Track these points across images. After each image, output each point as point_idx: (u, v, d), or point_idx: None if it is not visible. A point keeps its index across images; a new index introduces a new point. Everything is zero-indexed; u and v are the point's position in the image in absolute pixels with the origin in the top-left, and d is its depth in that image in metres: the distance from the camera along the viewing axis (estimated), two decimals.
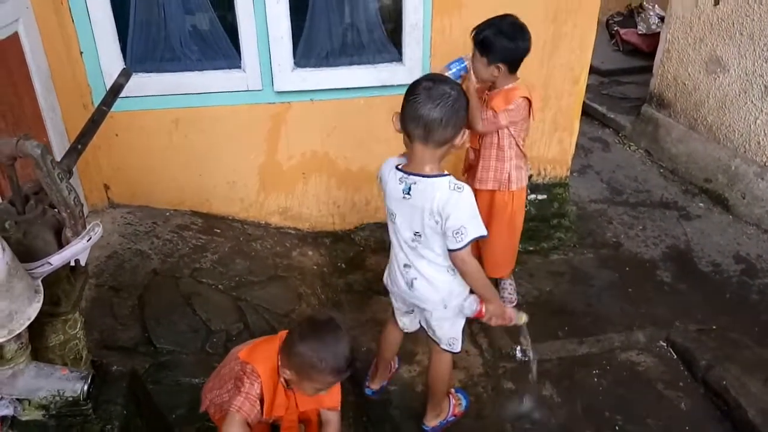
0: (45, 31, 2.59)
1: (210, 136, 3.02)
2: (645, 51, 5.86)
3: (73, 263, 1.37)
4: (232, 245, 2.99)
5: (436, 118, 1.66)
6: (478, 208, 1.80)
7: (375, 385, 2.42)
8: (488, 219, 2.58)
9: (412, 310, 2.16)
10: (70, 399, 1.30)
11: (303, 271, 3.01)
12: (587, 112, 4.91)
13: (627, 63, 5.98)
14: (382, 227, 3.37)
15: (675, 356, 2.70)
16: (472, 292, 1.99)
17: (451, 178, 1.77)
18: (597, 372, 2.61)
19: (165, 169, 3.07)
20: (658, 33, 4.84)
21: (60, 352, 1.38)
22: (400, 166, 1.83)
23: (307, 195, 3.30)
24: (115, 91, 1.66)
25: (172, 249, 2.82)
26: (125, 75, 1.72)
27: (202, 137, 3.01)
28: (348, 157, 3.22)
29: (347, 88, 3.00)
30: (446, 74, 2.28)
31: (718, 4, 3.85)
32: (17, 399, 1.30)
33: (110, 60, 2.75)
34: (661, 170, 4.36)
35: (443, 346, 2.10)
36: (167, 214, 3.10)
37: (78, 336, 1.41)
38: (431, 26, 2.93)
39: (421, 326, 2.17)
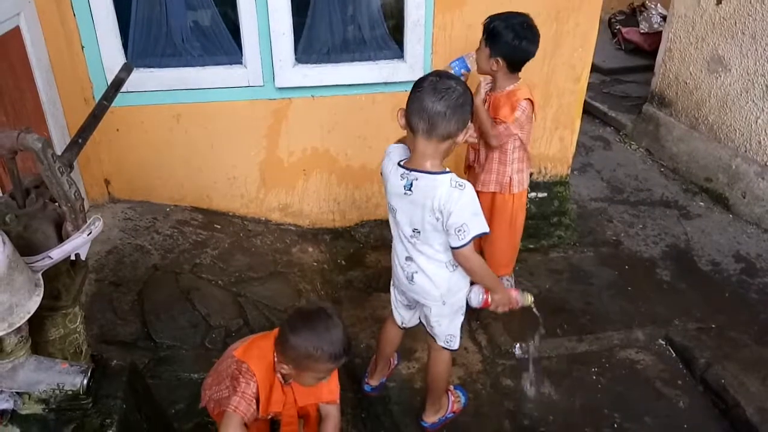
0: (46, 25, 2.59)
1: (211, 132, 3.02)
2: (647, 50, 5.85)
3: (73, 257, 1.37)
4: (232, 241, 2.99)
5: (440, 111, 1.67)
6: None
7: (374, 382, 2.43)
8: (489, 220, 2.55)
9: (413, 305, 2.16)
10: (70, 393, 1.30)
11: (303, 268, 3.02)
12: (588, 111, 4.91)
13: (629, 62, 5.96)
14: (383, 224, 3.38)
15: (674, 354, 2.71)
16: (473, 283, 2.01)
17: (453, 175, 1.77)
18: (596, 370, 2.61)
19: (165, 164, 3.07)
20: (660, 32, 4.82)
21: (60, 346, 1.38)
22: (402, 162, 1.83)
23: (307, 191, 3.30)
24: (116, 85, 1.66)
25: (173, 244, 2.82)
26: (126, 70, 1.72)
27: (202, 133, 3.01)
28: (349, 154, 3.22)
29: (348, 85, 3.00)
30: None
31: (721, 3, 3.84)
32: (17, 393, 1.30)
33: (112, 54, 2.75)
34: (662, 169, 4.36)
35: (441, 343, 2.10)
36: (167, 209, 3.10)
37: (78, 330, 1.41)
38: (433, 23, 2.92)
39: (421, 322, 2.18)
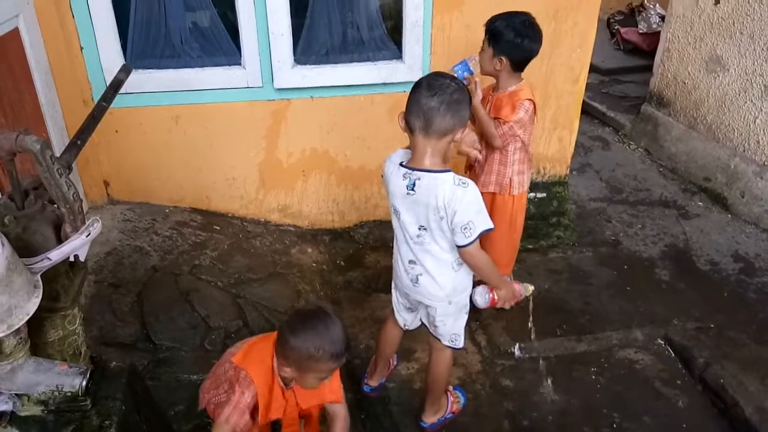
0: (45, 27, 2.59)
1: (210, 133, 3.02)
2: (645, 50, 5.86)
3: (72, 259, 1.37)
4: (232, 242, 3.00)
5: (434, 106, 1.69)
6: None
7: (373, 382, 2.43)
8: None
9: (415, 308, 2.16)
10: (69, 394, 1.31)
11: (302, 269, 3.02)
12: (587, 111, 4.91)
13: (627, 62, 5.97)
14: (382, 225, 3.39)
15: (673, 354, 2.71)
16: (474, 284, 2.01)
17: (455, 173, 1.78)
18: (595, 370, 2.62)
19: (164, 165, 3.07)
20: (659, 32, 4.83)
21: (59, 347, 1.38)
22: (403, 163, 1.84)
23: (306, 192, 3.30)
24: (115, 87, 1.66)
25: (172, 246, 2.82)
26: (125, 71, 1.72)
27: (201, 134, 3.01)
28: (348, 155, 3.22)
29: (347, 86, 3.00)
30: None
31: (719, 3, 3.85)
32: (16, 394, 1.30)
33: (110, 56, 2.75)
34: (661, 169, 4.36)
35: (446, 343, 2.10)
36: (167, 210, 3.10)
37: (77, 332, 1.41)
38: (432, 24, 2.92)
39: (423, 323, 2.18)
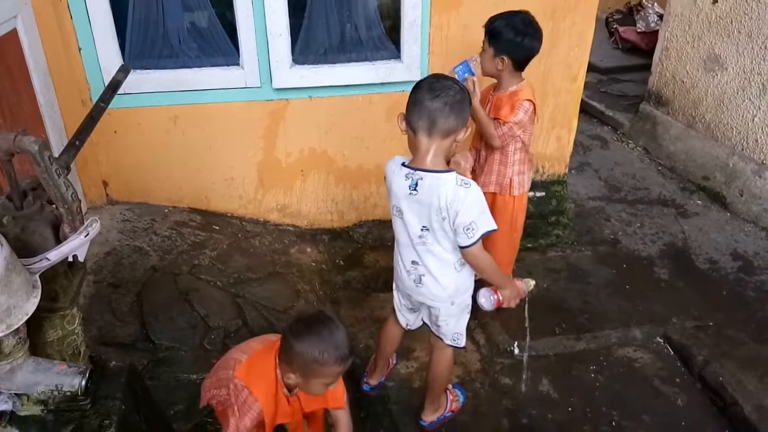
0: (43, 28, 2.59)
1: (208, 133, 3.02)
2: (644, 49, 5.86)
3: (71, 259, 1.37)
4: (231, 242, 3.00)
5: (439, 107, 1.71)
6: None
7: (373, 381, 2.43)
8: None
9: (417, 308, 2.16)
10: (69, 394, 1.31)
11: (301, 268, 3.02)
12: (586, 110, 4.91)
13: (626, 61, 5.97)
14: (381, 224, 3.39)
15: (672, 353, 2.71)
16: (476, 286, 2.01)
17: (457, 174, 1.78)
18: (594, 368, 2.62)
19: (163, 165, 3.07)
20: (657, 31, 4.83)
21: (58, 347, 1.39)
22: (406, 163, 1.85)
23: (305, 192, 3.30)
24: (114, 87, 1.66)
25: (171, 246, 2.82)
26: (123, 71, 1.72)
27: (200, 134, 3.02)
28: (346, 155, 3.22)
29: (345, 86, 3.00)
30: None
31: (717, 2, 3.85)
32: (16, 394, 1.30)
33: (109, 56, 2.75)
34: (659, 168, 4.37)
35: (448, 342, 2.11)
36: (166, 210, 3.10)
37: (76, 332, 1.42)
38: (430, 23, 2.93)
39: (424, 323, 2.18)
